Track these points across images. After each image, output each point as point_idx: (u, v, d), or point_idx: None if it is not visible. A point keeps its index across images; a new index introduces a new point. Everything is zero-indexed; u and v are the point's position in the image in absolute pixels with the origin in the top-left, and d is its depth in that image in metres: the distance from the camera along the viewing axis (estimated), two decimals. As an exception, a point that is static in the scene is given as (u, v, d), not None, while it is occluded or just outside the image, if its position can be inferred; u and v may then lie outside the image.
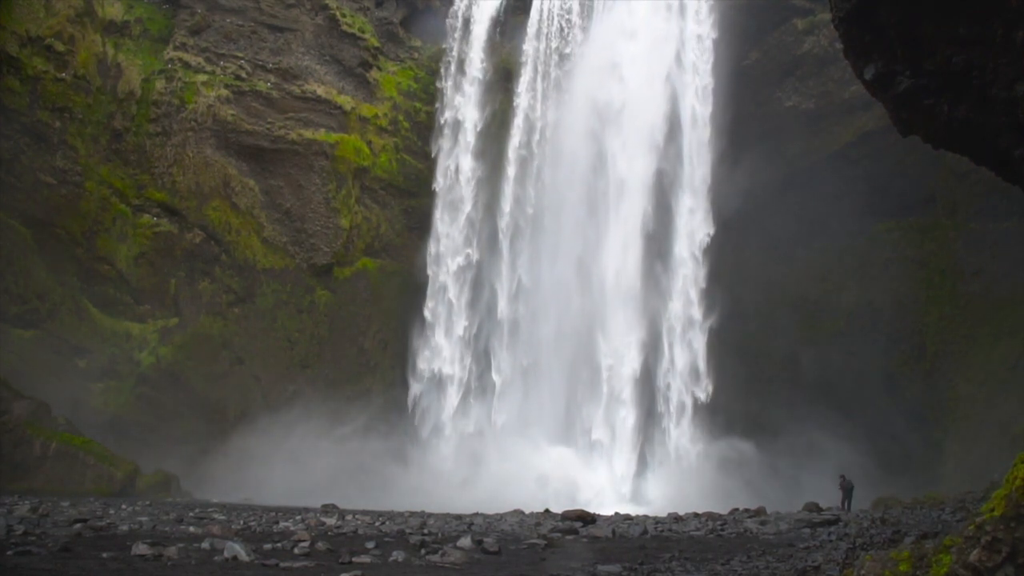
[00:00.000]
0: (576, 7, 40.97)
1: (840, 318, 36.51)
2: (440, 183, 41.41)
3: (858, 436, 32.24)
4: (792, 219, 35.69)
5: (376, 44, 42.86)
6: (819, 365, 35.13)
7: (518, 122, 40.79)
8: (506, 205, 40.22)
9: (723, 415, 34.73)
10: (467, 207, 40.90)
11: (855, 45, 9.39)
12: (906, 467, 31.69)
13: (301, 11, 41.58)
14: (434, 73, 43.20)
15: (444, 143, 41.92)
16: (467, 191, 41.07)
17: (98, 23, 38.27)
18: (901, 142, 13.13)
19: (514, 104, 41.00)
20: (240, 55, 40.51)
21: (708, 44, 37.78)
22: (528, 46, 41.23)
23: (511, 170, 40.39)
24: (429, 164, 42.03)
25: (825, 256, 36.96)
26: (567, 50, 40.45)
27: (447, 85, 42.41)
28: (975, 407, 31.48)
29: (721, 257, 36.42)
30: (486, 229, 40.68)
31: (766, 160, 36.48)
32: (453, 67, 42.43)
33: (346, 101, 41.22)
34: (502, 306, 39.25)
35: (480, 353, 39.68)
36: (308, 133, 40.33)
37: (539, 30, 41.28)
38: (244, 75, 40.27)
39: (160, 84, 39.21)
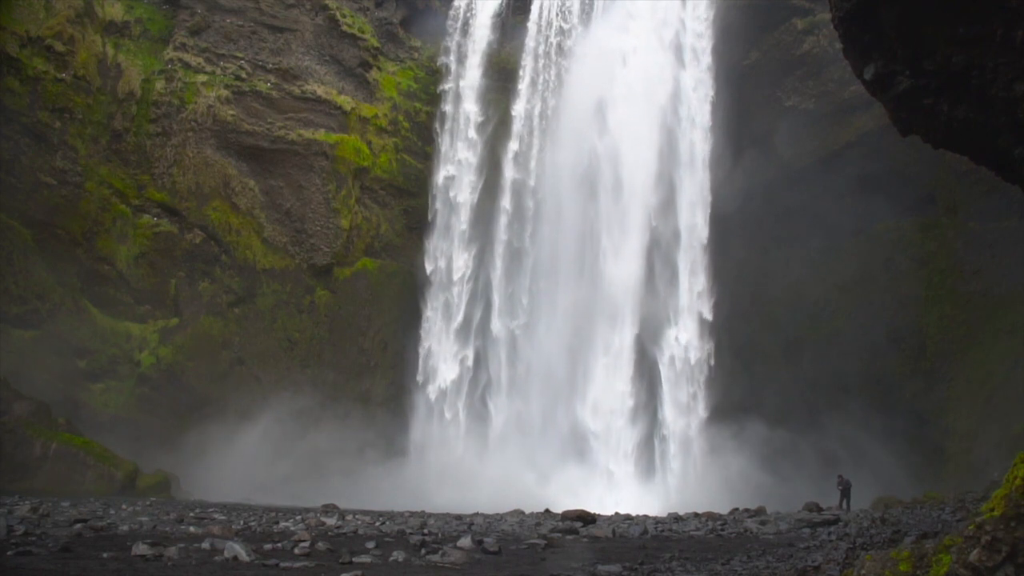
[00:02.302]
0: (573, 48, 39.59)
1: (840, 317, 36.49)
2: (429, 268, 40.14)
3: (858, 436, 32.26)
4: (791, 219, 35.70)
5: (376, 44, 42.86)
6: (819, 365, 35.12)
7: (505, 204, 39.37)
8: (496, 312, 38.52)
9: (721, 414, 34.71)
10: (459, 315, 39.20)
11: (855, 45, 9.38)
12: (906, 467, 31.67)
13: (301, 11, 41.59)
14: (434, 73, 43.11)
15: (439, 215, 40.45)
16: (459, 291, 39.46)
17: (98, 23, 38.28)
18: (901, 142, 13.14)
19: (502, 182, 39.75)
20: (240, 55, 40.52)
21: (707, 97, 36.85)
22: (518, 109, 40.11)
23: (498, 271, 39.06)
24: (429, 164, 41.99)
25: (825, 256, 36.94)
26: (563, 112, 38.57)
27: (443, 142, 41.23)
28: (975, 407, 31.47)
29: (720, 256, 36.40)
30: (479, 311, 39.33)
31: (765, 160, 36.49)
32: (449, 123, 41.37)
33: (346, 101, 41.22)
34: (492, 408, 37.70)
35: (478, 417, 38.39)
36: (308, 133, 40.34)
37: (532, 81, 40.11)
38: (244, 75, 40.28)
39: (160, 84, 39.22)
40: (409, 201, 42.20)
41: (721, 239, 36.34)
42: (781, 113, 37.94)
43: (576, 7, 40.53)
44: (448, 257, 40.01)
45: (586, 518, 20.83)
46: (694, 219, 36.19)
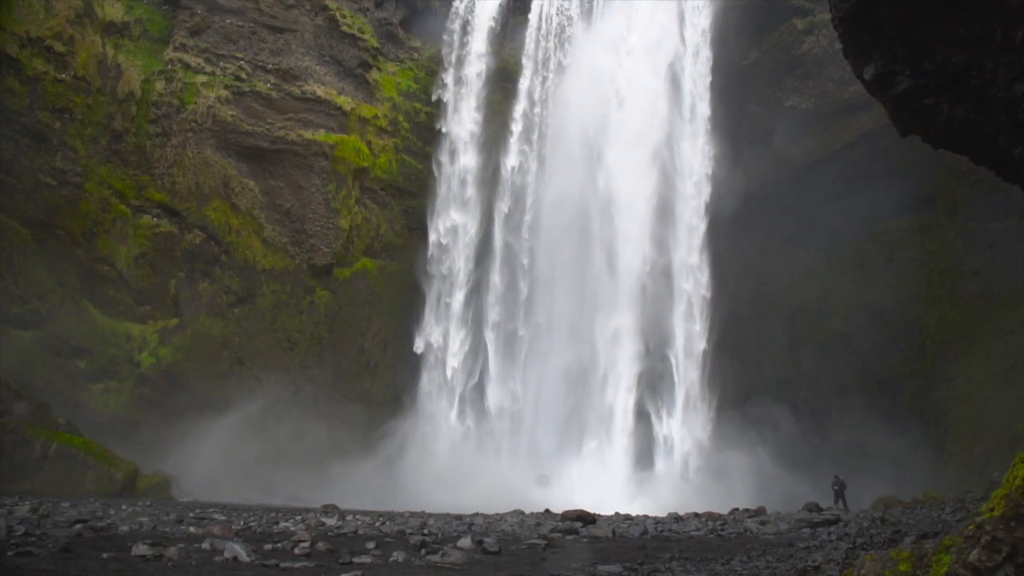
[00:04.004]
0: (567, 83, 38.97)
1: (840, 318, 36.50)
2: (420, 345, 39.38)
3: (858, 436, 32.26)
4: (792, 219, 35.71)
5: (376, 45, 42.87)
6: (819, 365, 35.12)
7: (496, 281, 38.79)
8: (492, 383, 37.92)
9: (721, 415, 34.71)
10: (455, 403, 38.40)
11: (855, 45, 9.38)
12: (906, 467, 31.69)
13: (301, 12, 41.60)
14: (433, 73, 43.12)
15: (433, 285, 39.81)
16: (454, 374, 38.58)
17: (98, 24, 38.28)
18: (901, 142, 13.14)
19: (493, 248, 39.45)
20: (240, 56, 40.53)
21: (705, 174, 36.50)
22: (510, 163, 39.77)
23: (491, 346, 38.45)
24: (429, 164, 41.99)
25: (825, 256, 36.95)
26: (555, 161, 38.01)
27: (440, 191, 40.84)
28: (975, 407, 31.47)
29: (720, 257, 36.40)
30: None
31: (765, 160, 36.50)
32: (445, 169, 41.15)
33: (346, 102, 41.23)
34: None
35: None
36: (308, 134, 40.35)
37: (525, 130, 39.74)
38: (244, 76, 40.28)
39: (160, 85, 39.23)
40: (409, 201, 42.21)
41: (721, 240, 36.33)
42: (781, 113, 37.97)
43: (576, 31, 40.04)
44: (443, 336, 39.39)
45: (586, 518, 20.81)
46: (692, 311, 35.62)
